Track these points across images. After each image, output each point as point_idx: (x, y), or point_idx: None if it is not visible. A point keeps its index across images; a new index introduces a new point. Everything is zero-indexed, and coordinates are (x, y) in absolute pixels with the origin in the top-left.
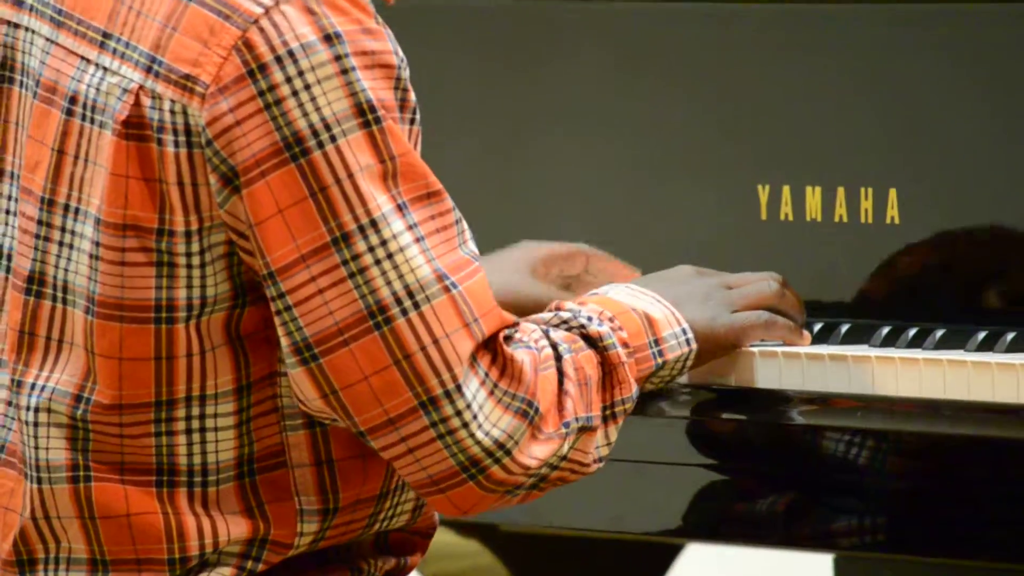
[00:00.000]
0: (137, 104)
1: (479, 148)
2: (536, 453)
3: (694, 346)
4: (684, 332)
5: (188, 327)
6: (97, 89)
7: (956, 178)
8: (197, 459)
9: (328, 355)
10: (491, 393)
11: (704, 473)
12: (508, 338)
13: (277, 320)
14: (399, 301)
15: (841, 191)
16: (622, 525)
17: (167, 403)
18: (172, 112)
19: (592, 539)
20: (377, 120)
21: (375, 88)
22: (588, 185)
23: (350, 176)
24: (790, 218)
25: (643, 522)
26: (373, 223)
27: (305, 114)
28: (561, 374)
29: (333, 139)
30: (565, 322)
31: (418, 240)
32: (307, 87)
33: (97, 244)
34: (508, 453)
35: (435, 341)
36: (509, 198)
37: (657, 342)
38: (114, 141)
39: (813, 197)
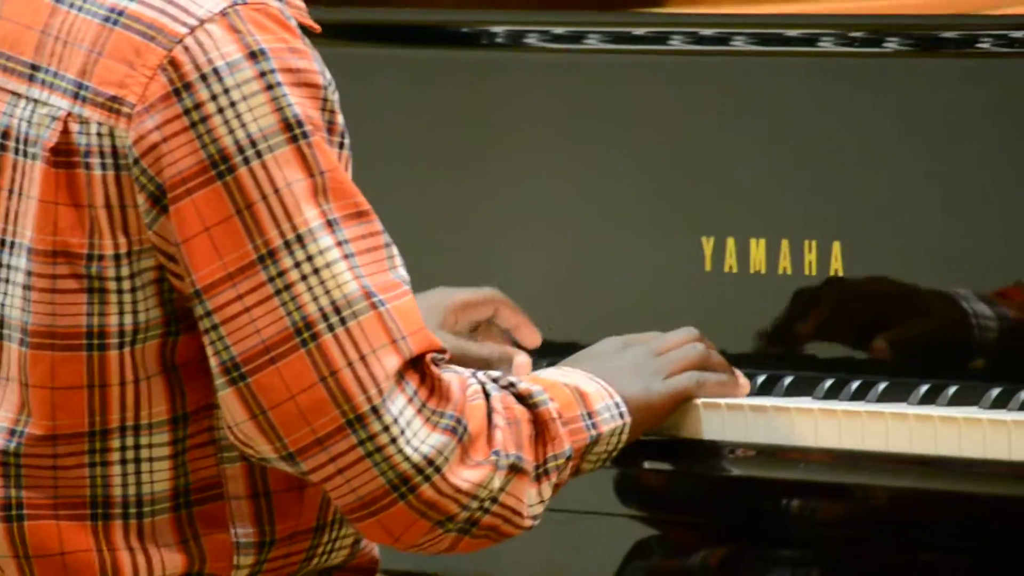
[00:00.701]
0: (66, 131)
1: (418, 197)
2: (467, 476)
3: (627, 419)
4: (617, 405)
5: (122, 354)
6: (29, 122)
7: (899, 232)
8: (132, 490)
9: (255, 374)
10: (419, 411)
11: (643, 525)
12: (436, 362)
13: (205, 340)
14: (326, 317)
15: (785, 243)
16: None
17: (101, 433)
18: (99, 135)
19: None
20: (305, 135)
21: (302, 105)
22: (533, 235)
23: (276, 191)
24: (734, 270)
25: (582, 573)
26: (299, 238)
27: (231, 131)
28: (490, 408)
29: (259, 155)
30: (495, 380)
31: (347, 257)
32: (232, 104)
33: (29, 274)
34: (438, 470)
35: (361, 357)
36: (451, 249)
37: (590, 415)
38: (43, 169)
39: (757, 249)
